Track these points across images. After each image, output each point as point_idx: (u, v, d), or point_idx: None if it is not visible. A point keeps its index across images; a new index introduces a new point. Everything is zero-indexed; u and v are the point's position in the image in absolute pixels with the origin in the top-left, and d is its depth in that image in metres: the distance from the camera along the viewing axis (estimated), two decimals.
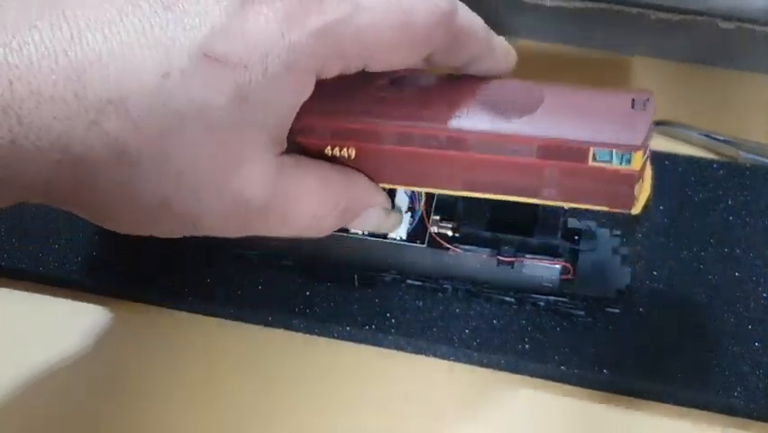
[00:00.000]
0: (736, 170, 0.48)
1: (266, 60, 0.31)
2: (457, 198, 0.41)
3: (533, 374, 0.43)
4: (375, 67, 0.34)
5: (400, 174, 0.37)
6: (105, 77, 0.30)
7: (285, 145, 0.34)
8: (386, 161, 0.37)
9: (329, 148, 0.37)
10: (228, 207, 0.33)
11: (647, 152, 0.35)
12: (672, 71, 0.52)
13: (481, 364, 0.43)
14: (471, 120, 0.36)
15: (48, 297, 0.46)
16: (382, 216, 0.38)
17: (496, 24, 0.54)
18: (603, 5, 0.51)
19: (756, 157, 0.48)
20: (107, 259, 0.46)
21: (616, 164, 0.35)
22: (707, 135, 0.49)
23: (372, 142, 0.37)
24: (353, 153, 0.37)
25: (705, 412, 0.42)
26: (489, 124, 0.36)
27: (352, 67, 0.34)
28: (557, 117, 0.36)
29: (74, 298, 0.46)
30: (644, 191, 0.36)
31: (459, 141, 0.36)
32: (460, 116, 0.36)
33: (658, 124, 0.50)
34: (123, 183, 0.31)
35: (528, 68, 0.53)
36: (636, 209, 0.36)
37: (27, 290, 0.46)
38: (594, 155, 0.35)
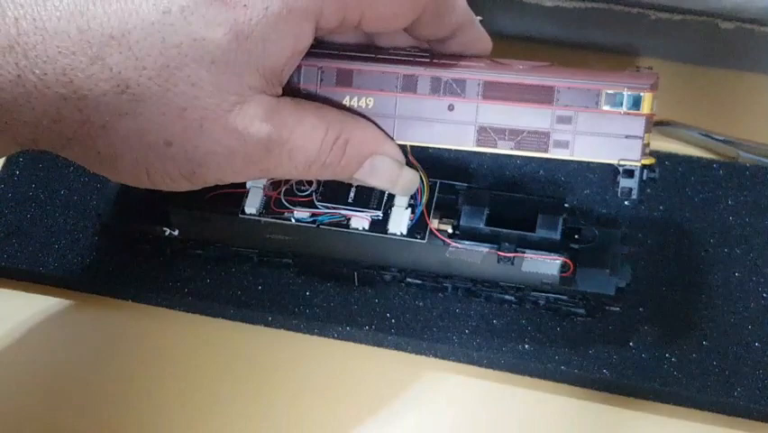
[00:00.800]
0: (736, 170, 0.48)
1: (266, 0, 0.32)
2: (458, 194, 0.41)
3: (533, 374, 0.43)
4: (370, 21, 0.35)
5: (417, 127, 0.38)
6: (107, 14, 0.31)
7: (280, 92, 0.35)
8: (402, 111, 0.38)
9: (348, 98, 0.38)
10: (232, 143, 0.34)
11: (654, 104, 0.37)
12: (672, 71, 0.52)
13: (481, 364, 0.43)
14: (485, 70, 0.38)
15: (47, 297, 0.46)
16: (394, 168, 0.38)
17: (496, 25, 0.54)
18: (603, 5, 0.50)
19: (756, 157, 0.48)
20: (107, 259, 0.46)
21: (626, 108, 0.36)
22: (707, 135, 0.49)
23: (387, 89, 0.38)
24: (371, 103, 0.38)
25: (705, 412, 0.42)
26: (503, 73, 0.37)
27: (350, 18, 0.34)
28: (567, 72, 0.37)
29: (74, 298, 0.46)
30: (647, 161, 0.37)
31: (474, 85, 0.37)
32: (474, 67, 0.38)
33: (658, 124, 0.50)
34: (128, 119, 0.32)
35: None
36: (645, 160, 0.37)
37: (27, 290, 0.46)
38: (606, 98, 0.36)
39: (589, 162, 0.38)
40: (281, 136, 0.34)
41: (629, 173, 0.37)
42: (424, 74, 0.38)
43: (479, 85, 0.37)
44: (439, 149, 0.39)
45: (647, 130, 0.37)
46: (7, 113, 0.32)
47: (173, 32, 0.32)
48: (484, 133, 0.38)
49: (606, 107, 0.37)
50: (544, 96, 0.37)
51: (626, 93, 0.37)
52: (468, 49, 0.38)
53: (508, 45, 0.53)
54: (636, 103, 0.37)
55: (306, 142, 0.35)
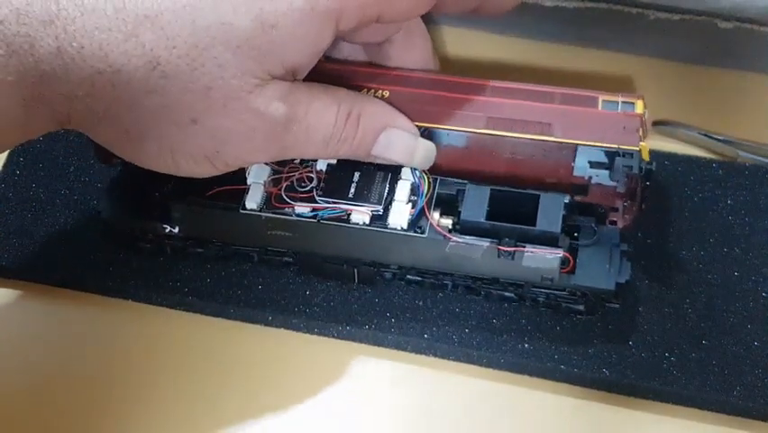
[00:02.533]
0: (736, 170, 0.48)
1: None
2: (458, 191, 0.42)
3: (532, 373, 0.43)
4: (390, 14, 0.37)
5: (431, 114, 0.41)
6: None
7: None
8: (418, 103, 0.41)
9: (365, 90, 0.41)
10: (253, 122, 0.36)
11: (645, 112, 0.41)
12: (672, 71, 0.52)
13: (481, 364, 0.43)
14: (496, 81, 0.42)
15: (48, 297, 0.46)
16: (409, 140, 0.40)
17: (496, 24, 0.54)
18: (603, 5, 0.51)
19: (756, 157, 0.48)
20: (107, 258, 0.46)
21: (621, 110, 0.40)
22: (706, 135, 0.49)
23: (402, 85, 0.41)
24: (387, 94, 0.41)
25: (705, 411, 0.42)
26: (508, 81, 0.42)
27: (369, 15, 0.36)
28: (566, 86, 0.42)
29: (74, 297, 0.46)
30: (644, 148, 0.40)
31: (483, 88, 0.41)
32: (487, 79, 0.42)
33: (658, 124, 0.50)
34: (156, 97, 0.34)
35: (529, 67, 0.53)
36: (640, 147, 0.39)
37: (27, 289, 0.46)
38: (602, 104, 0.40)
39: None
40: (297, 114, 0.37)
41: (629, 155, 0.39)
42: (437, 77, 0.42)
43: (487, 88, 0.41)
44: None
45: (642, 125, 0.40)
46: (46, 84, 0.34)
47: (203, 16, 0.34)
48: (493, 120, 0.41)
49: (603, 110, 0.40)
50: (546, 98, 0.41)
51: (620, 100, 0.41)
52: (502, 5, 0.41)
53: (508, 45, 0.53)
54: (630, 107, 0.40)
55: (320, 119, 0.37)
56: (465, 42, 0.53)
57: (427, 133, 0.41)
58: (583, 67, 0.52)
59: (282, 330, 0.45)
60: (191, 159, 0.37)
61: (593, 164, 0.40)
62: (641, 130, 0.40)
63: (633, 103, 0.41)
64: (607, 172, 0.40)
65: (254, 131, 0.36)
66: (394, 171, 0.42)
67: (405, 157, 0.40)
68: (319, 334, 0.44)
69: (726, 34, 0.50)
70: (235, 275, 0.45)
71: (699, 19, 0.50)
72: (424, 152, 0.41)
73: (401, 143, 0.40)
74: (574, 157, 0.40)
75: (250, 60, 0.34)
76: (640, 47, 0.53)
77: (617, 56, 0.53)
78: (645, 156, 0.40)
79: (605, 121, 0.40)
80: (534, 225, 0.40)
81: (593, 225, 0.41)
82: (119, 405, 0.43)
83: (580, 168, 0.40)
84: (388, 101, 0.41)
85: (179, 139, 0.36)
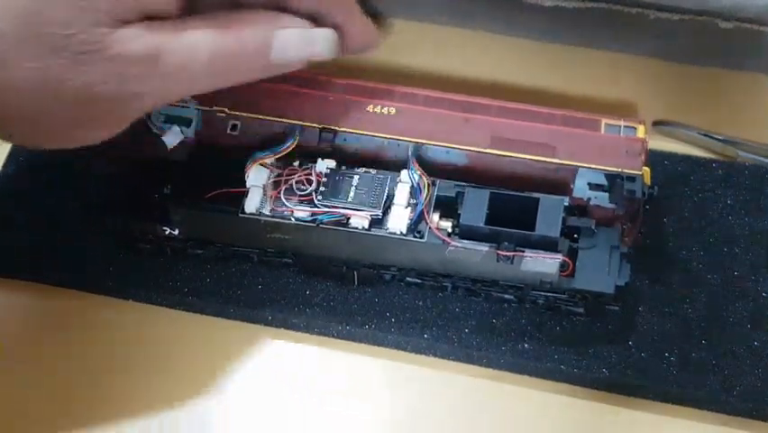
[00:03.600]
0: (736, 170, 0.48)
1: None
2: (457, 193, 0.42)
3: (532, 374, 0.43)
4: None
5: (435, 131, 0.42)
6: None
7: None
8: (421, 120, 0.42)
9: (371, 107, 0.42)
10: (117, 68, 0.34)
11: (647, 136, 0.42)
12: (672, 71, 0.52)
13: (481, 364, 0.43)
14: (500, 101, 0.43)
15: (47, 297, 0.46)
16: (303, 33, 0.38)
17: (496, 24, 0.54)
18: (603, 5, 0.51)
19: (755, 157, 0.48)
20: (107, 259, 0.46)
21: (623, 134, 0.41)
22: (706, 135, 0.49)
23: (408, 103, 0.42)
24: (393, 111, 0.42)
25: (704, 411, 0.42)
26: (511, 103, 0.42)
27: None
28: (569, 109, 0.43)
29: (74, 297, 0.46)
30: (647, 172, 0.41)
31: (487, 108, 0.42)
32: (491, 99, 0.43)
33: (658, 124, 0.50)
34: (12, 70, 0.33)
35: (528, 68, 0.53)
36: (643, 171, 0.40)
37: (27, 290, 0.46)
38: (605, 127, 0.41)
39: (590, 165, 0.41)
40: (164, 49, 0.34)
41: (632, 179, 0.40)
42: (441, 96, 0.42)
43: (491, 108, 0.42)
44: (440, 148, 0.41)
45: (644, 150, 0.41)
46: None
47: None
48: (497, 140, 0.41)
49: (605, 133, 0.41)
50: (549, 120, 0.41)
51: (622, 124, 0.42)
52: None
53: (508, 45, 0.53)
54: (632, 132, 0.41)
55: (196, 47, 0.35)
56: (465, 42, 0.53)
57: (426, 150, 0.42)
58: (583, 67, 0.52)
59: (282, 330, 0.45)
60: (78, 126, 0.35)
61: (592, 186, 0.41)
62: (643, 154, 0.40)
63: (635, 127, 0.41)
64: (605, 194, 0.41)
65: (122, 77, 0.34)
66: (393, 174, 0.42)
67: (306, 50, 0.38)
68: (319, 334, 0.44)
69: (726, 34, 0.50)
70: (235, 275, 0.45)
71: (699, 19, 0.50)
72: (323, 39, 0.38)
73: (295, 39, 0.37)
74: (574, 179, 0.41)
75: (97, 12, 0.33)
76: (640, 47, 0.53)
77: (617, 56, 0.53)
78: (647, 180, 0.40)
79: (608, 144, 0.41)
80: (533, 228, 0.40)
81: (592, 227, 0.41)
82: (119, 404, 0.43)
83: (579, 189, 0.41)
84: (395, 118, 0.41)
85: (57, 108, 0.34)
